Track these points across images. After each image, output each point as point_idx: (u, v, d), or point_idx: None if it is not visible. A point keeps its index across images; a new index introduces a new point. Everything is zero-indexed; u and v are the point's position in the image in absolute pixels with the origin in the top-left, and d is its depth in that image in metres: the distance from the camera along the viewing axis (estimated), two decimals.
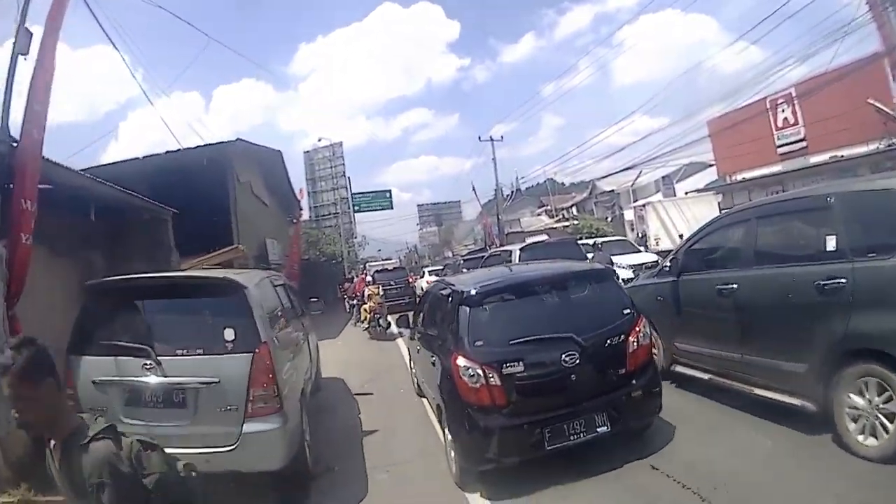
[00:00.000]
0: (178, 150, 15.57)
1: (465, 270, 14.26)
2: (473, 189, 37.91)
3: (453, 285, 4.84)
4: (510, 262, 11.38)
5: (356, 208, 29.53)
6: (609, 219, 33.90)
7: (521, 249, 12.37)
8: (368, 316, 14.15)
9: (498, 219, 32.91)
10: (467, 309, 4.09)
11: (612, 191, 36.37)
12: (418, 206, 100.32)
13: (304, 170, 53.99)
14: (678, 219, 20.11)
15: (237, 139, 15.66)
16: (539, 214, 47.82)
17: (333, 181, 48.70)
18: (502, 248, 16.89)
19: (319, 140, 39.27)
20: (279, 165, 22.60)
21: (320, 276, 26.24)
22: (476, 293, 4.21)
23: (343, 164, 48.31)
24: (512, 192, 37.93)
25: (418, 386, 6.58)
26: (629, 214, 28.97)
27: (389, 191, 30.77)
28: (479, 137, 30.59)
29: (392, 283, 19.88)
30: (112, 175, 8.83)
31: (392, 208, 30.87)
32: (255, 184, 20.76)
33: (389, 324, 13.86)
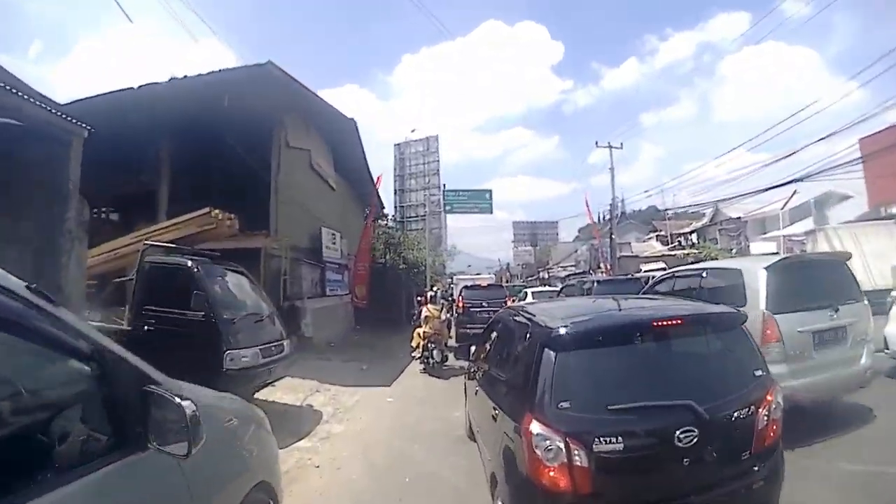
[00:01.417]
0: (200, 74, 10.91)
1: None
2: (587, 203, 31.63)
3: (533, 316, 3.64)
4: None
5: (448, 208, 24.04)
6: (733, 250, 29.14)
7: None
8: (421, 343, 10.61)
9: (611, 239, 28.48)
10: (553, 354, 2.95)
11: (739, 218, 31.30)
12: (514, 223, 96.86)
13: (394, 164, 49.82)
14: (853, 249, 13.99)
15: (268, 62, 10.51)
16: (647, 240, 43.55)
17: (425, 179, 43.67)
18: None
19: (413, 131, 34.65)
20: (352, 140, 17.57)
21: (396, 285, 20.83)
22: (568, 333, 3.05)
23: (437, 161, 43.20)
24: (617, 213, 32.76)
25: (470, 428, 5.31)
26: (758, 247, 24.95)
27: (490, 191, 24.91)
28: (597, 143, 26.96)
29: (484, 304, 13.83)
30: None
31: (491, 212, 25.06)
32: (316, 155, 15.79)
33: (446, 357, 10.87)
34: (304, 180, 14.90)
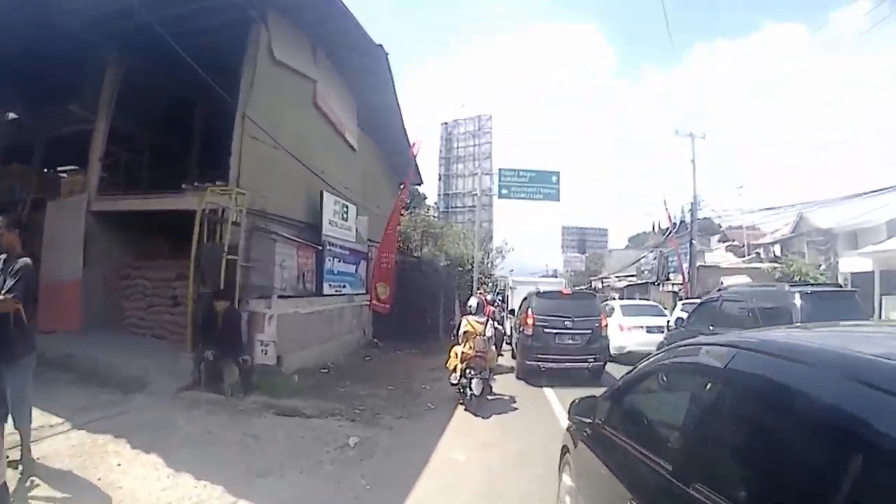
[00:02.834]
0: None
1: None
2: (665, 204, 27.17)
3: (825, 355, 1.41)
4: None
5: (505, 192, 18.62)
6: (821, 266, 25.61)
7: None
8: (459, 367, 7.20)
9: (691, 245, 24.22)
10: None
11: (830, 230, 26.78)
12: (563, 228, 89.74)
13: (439, 146, 44.27)
14: None
15: None
16: (715, 250, 38.21)
17: (474, 164, 37.77)
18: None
19: (463, 106, 29.37)
20: (382, 83, 12.63)
21: (434, 285, 15.64)
22: None
23: (490, 144, 37.31)
24: (681, 222, 28.01)
25: None
26: (847, 264, 22.38)
27: (557, 173, 18.86)
28: (676, 131, 23.25)
29: (567, 323, 8.54)
30: None
31: (558, 198, 19.09)
32: (324, 92, 10.93)
33: (491, 387, 7.62)
34: (299, 119, 10.01)
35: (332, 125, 11.47)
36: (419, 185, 19.20)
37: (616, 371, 9.00)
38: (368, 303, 12.77)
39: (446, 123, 45.67)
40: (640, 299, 21.80)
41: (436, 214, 30.29)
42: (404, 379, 8.95)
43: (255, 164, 8.29)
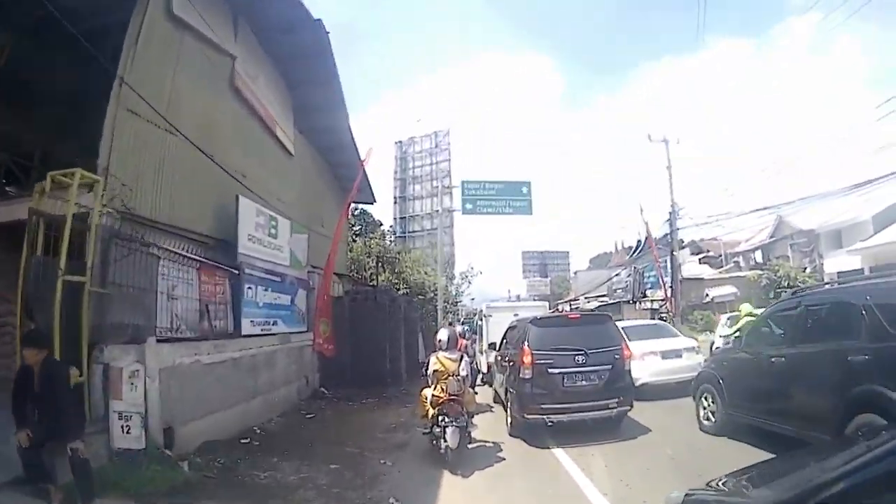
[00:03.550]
0: None
1: None
2: (641, 210, 25.05)
3: None
4: None
5: (470, 207, 16.51)
6: (806, 269, 25.37)
7: None
8: (431, 412, 5.94)
9: (672, 256, 22.22)
10: None
11: (812, 231, 26.72)
12: (523, 252, 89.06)
13: (395, 166, 41.44)
14: None
15: None
16: (689, 262, 36.31)
17: (432, 185, 35.20)
18: None
19: (418, 121, 27.68)
20: (324, 73, 10.52)
21: (393, 318, 13.07)
22: None
23: (448, 161, 35.10)
24: (646, 238, 27.34)
25: None
26: (833, 264, 23.00)
27: (528, 183, 17.00)
28: (650, 136, 21.26)
29: (579, 359, 6.33)
30: None
31: (531, 212, 17.21)
32: (246, 73, 8.64)
33: (470, 434, 6.05)
34: (209, 102, 7.62)
35: (258, 118, 9.12)
36: (372, 203, 16.93)
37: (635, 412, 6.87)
38: (312, 343, 10.22)
39: (400, 142, 42.85)
40: (643, 319, 19.85)
41: (391, 239, 27.82)
42: (356, 448, 6.44)
43: (134, 150, 5.84)
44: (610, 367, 6.55)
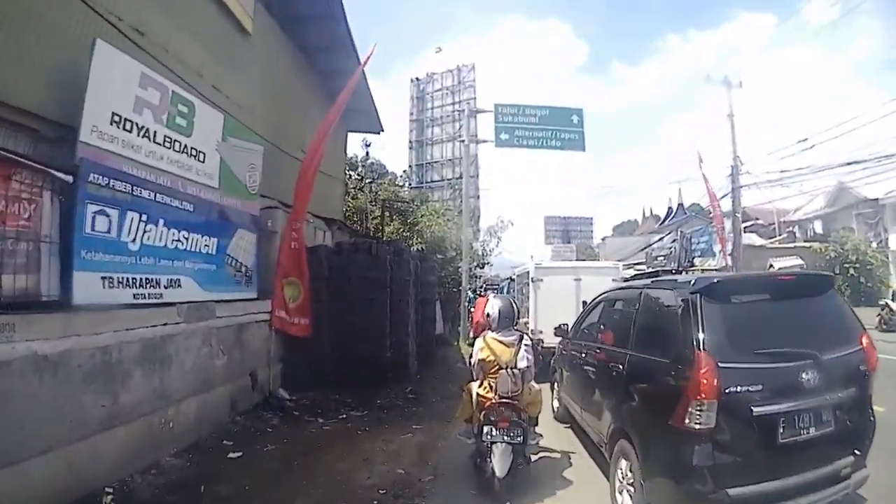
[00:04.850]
0: None
1: None
2: (699, 159, 21.70)
3: None
4: None
5: (502, 138, 12.53)
6: (873, 243, 23.43)
7: None
8: (476, 417, 4.18)
9: (735, 218, 20.77)
10: None
11: (877, 200, 24.04)
12: (546, 217, 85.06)
13: (411, 107, 36.54)
14: None
15: None
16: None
17: (453, 126, 30.62)
18: None
19: (438, 51, 23.36)
20: None
21: (402, 282, 9.23)
22: None
23: (474, 100, 30.28)
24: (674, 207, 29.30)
25: None
26: None
27: (580, 110, 13.22)
28: (708, 76, 21.67)
29: (808, 372, 2.48)
30: None
31: (583, 148, 13.18)
32: None
33: (527, 458, 4.16)
34: None
35: None
36: (378, 132, 12.90)
37: None
38: (269, 317, 6.58)
39: (418, 79, 37.59)
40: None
41: (407, 187, 23.79)
42: None
43: None
44: (853, 389, 2.82)
